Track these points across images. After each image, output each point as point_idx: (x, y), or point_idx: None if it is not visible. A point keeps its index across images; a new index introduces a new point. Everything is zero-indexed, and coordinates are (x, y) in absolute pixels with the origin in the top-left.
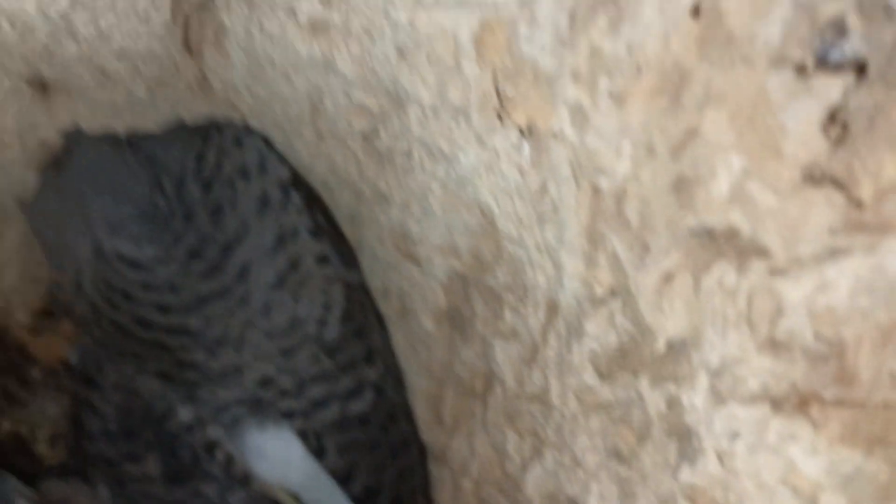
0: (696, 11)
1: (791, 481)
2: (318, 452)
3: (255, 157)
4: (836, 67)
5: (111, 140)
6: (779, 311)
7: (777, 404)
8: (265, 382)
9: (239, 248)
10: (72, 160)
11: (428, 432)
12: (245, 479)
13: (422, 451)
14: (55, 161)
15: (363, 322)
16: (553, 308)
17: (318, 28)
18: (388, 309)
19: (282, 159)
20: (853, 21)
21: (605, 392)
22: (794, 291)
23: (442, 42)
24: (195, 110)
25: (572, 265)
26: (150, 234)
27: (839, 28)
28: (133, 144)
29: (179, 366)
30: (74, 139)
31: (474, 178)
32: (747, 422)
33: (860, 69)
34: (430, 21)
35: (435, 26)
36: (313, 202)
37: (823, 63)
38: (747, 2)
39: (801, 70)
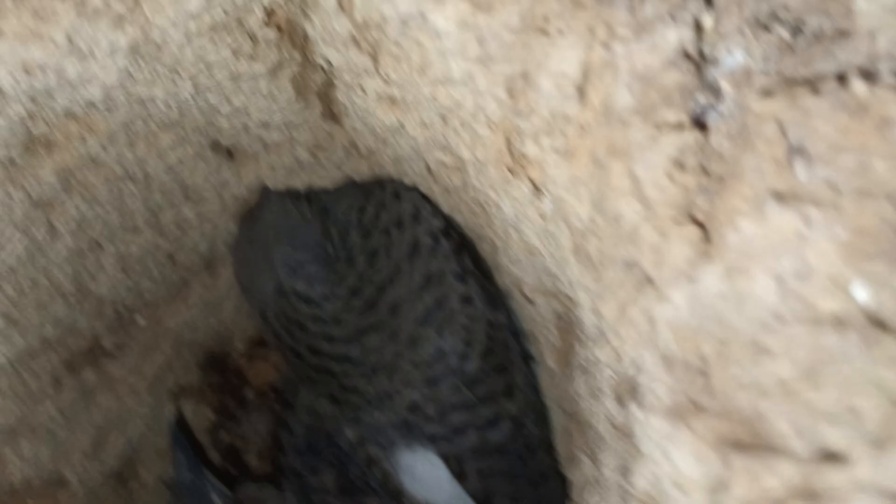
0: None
1: (679, 482)
2: (459, 476)
3: (410, 208)
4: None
5: (293, 195)
6: (658, 331)
7: (669, 412)
8: (413, 408)
9: (391, 287)
10: (261, 212)
11: (566, 466)
12: (398, 495)
13: (564, 483)
14: (249, 213)
15: (504, 358)
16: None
17: (385, 100)
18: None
19: (436, 211)
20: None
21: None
22: (665, 313)
23: (462, 110)
24: (357, 169)
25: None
26: (320, 276)
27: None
28: (310, 198)
29: (344, 390)
30: (264, 195)
31: (518, 223)
32: (655, 428)
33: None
34: (447, 94)
35: (450, 98)
36: (462, 248)
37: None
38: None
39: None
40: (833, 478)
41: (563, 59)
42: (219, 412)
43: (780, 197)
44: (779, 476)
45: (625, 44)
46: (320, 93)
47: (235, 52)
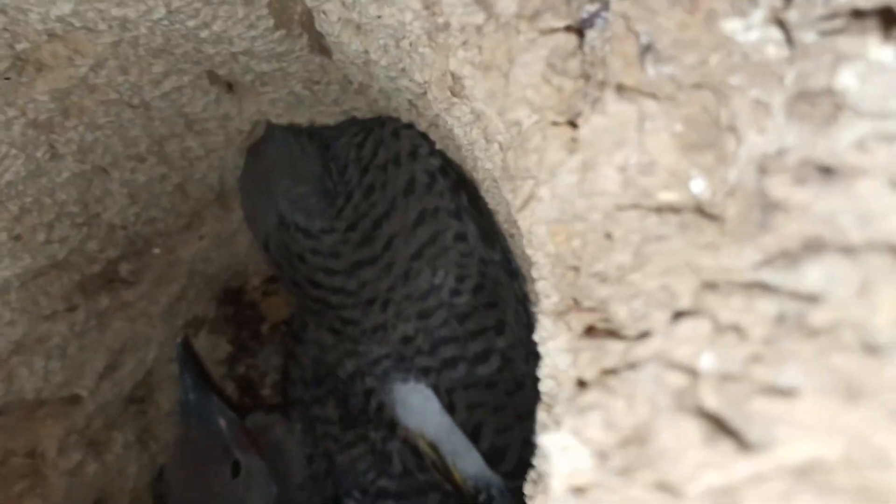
0: None
1: (557, 377)
2: (449, 408)
3: (408, 146)
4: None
5: (295, 131)
6: (537, 231)
7: (553, 312)
8: (406, 340)
9: (386, 223)
10: (265, 147)
11: None
12: (392, 426)
13: None
14: (254, 147)
15: (496, 295)
16: None
17: (349, 26)
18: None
19: (434, 150)
20: None
21: None
22: (540, 210)
23: (405, 29)
24: (355, 107)
25: None
26: (320, 209)
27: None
28: (311, 134)
29: (342, 322)
30: (268, 130)
31: (472, 149)
32: (546, 328)
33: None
34: (390, 13)
35: (393, 18)
36: (460, 186)
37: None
38: None
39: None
40: (640, 352)
41: None
42: (234, 344)
43: (622, 91)
44: (612, 355)
45: None
46: (304, 23)
47: None
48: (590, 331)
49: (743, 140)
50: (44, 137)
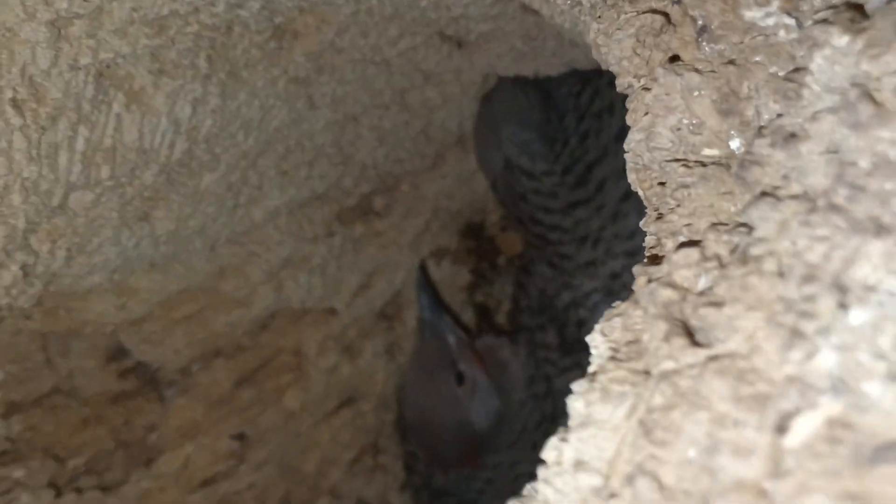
0: None
1: None
2: None
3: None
4: None
5: (521, 82)
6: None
7: None
8: (614, 276)
9: (598, 167)
10: (495, 96)
11: None
12: None
13: None
14: (485, 97)
15: None
16: None
17: None
18: None
19: None
20: None
21: None
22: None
23: None
24: (574, 59)
25: None
26: (542, 153)
27: None
28: (536, 85)
29: (560, 257)
30: (498, 82)
31: None
32: None
33: None
34: None
35: None
36: None
37: None
38: None
39: None
40: (653, 271)
41: None
42: (474, 274)
43: (675, 63)
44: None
45: None
46: None
47: None
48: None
49: (760, 109)
50: (303, 91)
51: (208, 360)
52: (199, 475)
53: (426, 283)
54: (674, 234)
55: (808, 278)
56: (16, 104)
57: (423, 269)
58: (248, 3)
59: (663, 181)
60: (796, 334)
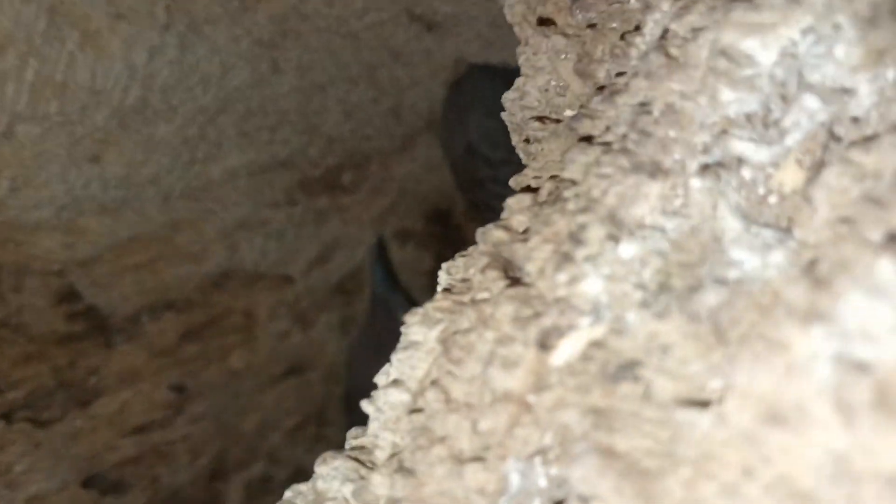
0: None
1: None
2: None
3: None
4: None
5: (489, 70)
6: None
7: None
8: None
9: None
10: (464, 82)
11: None
12: None
13: None
14: (455, 82)
15: None
16: None
17: None
18: None
19: None
20: None
21: None
22: None
23: None
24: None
25: None
26: (504, 143)
27: None
28: (505, 74)
29: None
30: (468, 69)
31: None
32: None
33: None
34: None
35: None
36: None
37: None
38: None
39: None
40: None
41: None
42: (438, 260)
43: (539, 28)
44: None
45: None
46: None
47: None
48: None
49: (610, 69)
50: (266, 54)
51: (158, 312)
52: (133, 421)
53: (382, 259)
54: (522, 185)
55: (585, 210)
56: None
57: (380, 244)
58: None
59: (527, 138)
60: (567, 259)
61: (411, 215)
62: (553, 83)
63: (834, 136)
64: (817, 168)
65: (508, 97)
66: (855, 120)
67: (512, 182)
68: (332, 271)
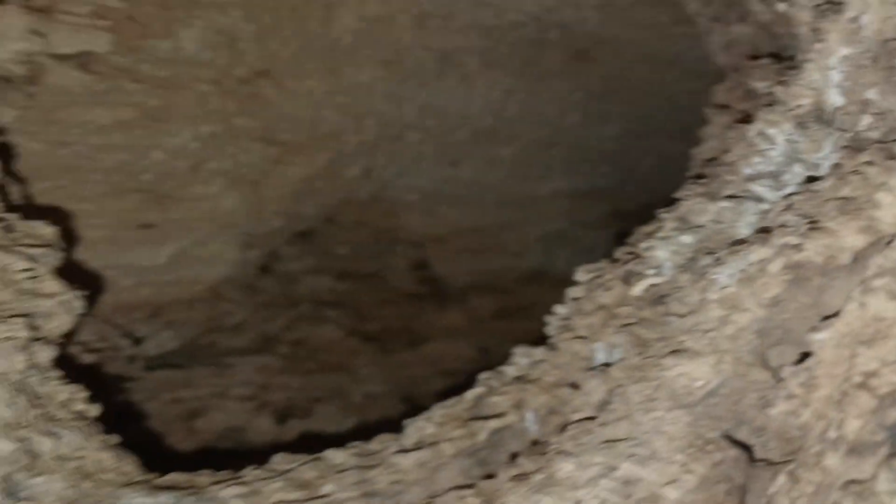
0: None
1: None
2: None
3: None
4: None
5: None
6: None
7: None
8: None
9: None
10: None
11: None
12: None
13: None
14: None
15: None
16: None
17: None
18: None
19: None
20: None
21: None
22: None
23: None
24: None
25: None
26: None
27: None
28: None
29: None
30: None
31: None
32: None
33: None
34: None
35: None
36: None
37: None
38: None
39: None
40: None
41: None
42: None
43: None
44: None
45: None
46: None
47: None
48: None
49: None
50: (595, 105)
51: (482, 291)
52: (444, 365)
53: None
54: None
55: (666, 211)
56: None
57: None
58: (552, 30)
59: None
60: (649, 236)
61: None
62: None
63: None
64: None
65: None
66: None
67: None
68: None
